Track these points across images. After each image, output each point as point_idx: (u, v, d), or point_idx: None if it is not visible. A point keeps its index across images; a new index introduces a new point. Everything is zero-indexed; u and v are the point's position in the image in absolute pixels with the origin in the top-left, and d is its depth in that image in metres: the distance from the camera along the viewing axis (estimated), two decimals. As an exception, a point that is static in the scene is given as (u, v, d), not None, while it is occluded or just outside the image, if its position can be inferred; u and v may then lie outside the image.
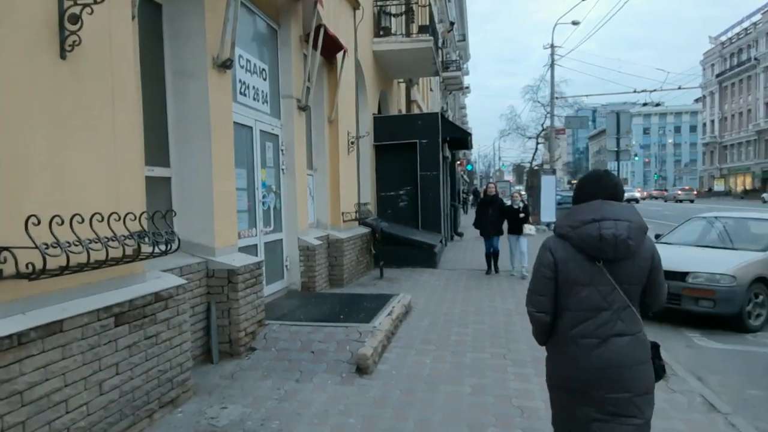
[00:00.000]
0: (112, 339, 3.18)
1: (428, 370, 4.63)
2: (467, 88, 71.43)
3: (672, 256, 6.76)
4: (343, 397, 4.02)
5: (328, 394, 4.07)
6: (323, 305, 6.40)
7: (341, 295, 7.03)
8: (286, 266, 7.29)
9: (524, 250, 9.51)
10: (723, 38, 64.91)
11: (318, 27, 7.48)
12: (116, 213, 3.07)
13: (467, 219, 22.18)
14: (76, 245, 2.73)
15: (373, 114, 13.04)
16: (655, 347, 2.30)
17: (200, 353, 4.78)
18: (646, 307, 2.27)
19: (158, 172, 4.73)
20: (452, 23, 41.73)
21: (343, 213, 9.05)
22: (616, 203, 2.21)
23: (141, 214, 3.33)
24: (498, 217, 9.95)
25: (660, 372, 2.28)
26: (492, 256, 10.13)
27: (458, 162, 23.13)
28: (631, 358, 2.14)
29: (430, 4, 14.26)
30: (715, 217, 7.63)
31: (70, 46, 2.97)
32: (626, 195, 12.57)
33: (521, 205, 9.88)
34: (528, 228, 9.51)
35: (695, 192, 51.22)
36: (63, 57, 2.97)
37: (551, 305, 2.25)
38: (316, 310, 6.17)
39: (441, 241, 12.66)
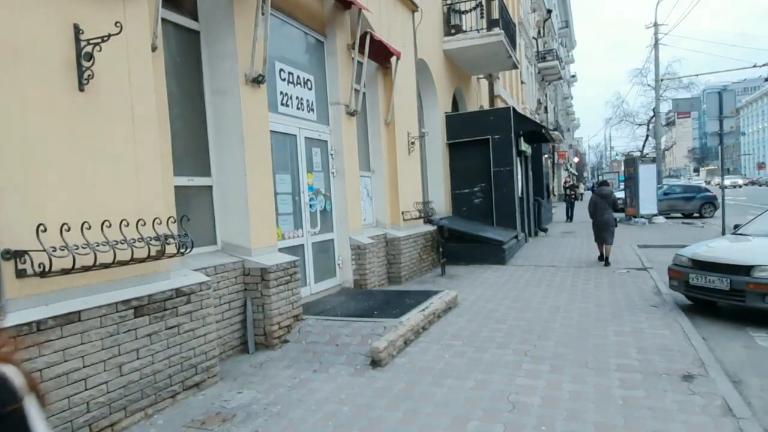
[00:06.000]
0: (131, 328, 3.70)
1: (443, 364, 4.70)
2: (573, 76, 67.71)
3: (737, 249, 6.15)
4: (349, 387, 4.25)
5: (336, 384, 4.32)
6: (366, 301, 6.66)
7: (388, 292, 7.25)
8: (339, 265, 7.66)
9: None
10: None
11: (364, 34, 7.79)
12: (125, 220, 3.57)
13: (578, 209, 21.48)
14: (84, 248, 3.24)
15: (445, 112, 13.10)
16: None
17: (239, 344, 5.27)
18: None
19: (198, 181, 5.30)
20: (549, 11, 40.10)
21: (402, 212, 9.25)
22: (606, 187, 10.87)
23: (154, 220, 3.81)
24: None
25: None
26: None
27: (545, 155, 22.22)
28: (609, 221, 10.20)
29: (500, -4, 13.96)
30: (803, 204, 6.74)
31: (86, 79, 3.53)
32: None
33: None
34: None
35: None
36: (81, 89, 3.53)
37: (594, 211, 10.46)
38: (357, 305, 6.45)
39: (516, 237, 12.39)
